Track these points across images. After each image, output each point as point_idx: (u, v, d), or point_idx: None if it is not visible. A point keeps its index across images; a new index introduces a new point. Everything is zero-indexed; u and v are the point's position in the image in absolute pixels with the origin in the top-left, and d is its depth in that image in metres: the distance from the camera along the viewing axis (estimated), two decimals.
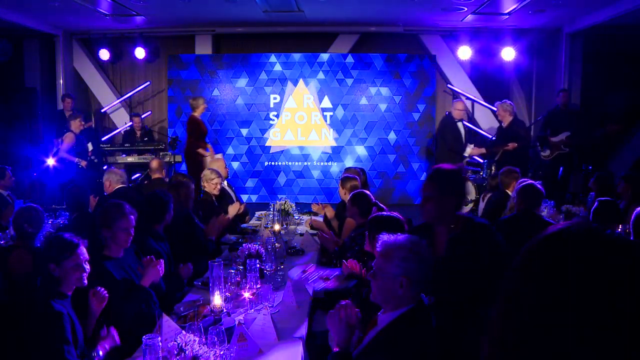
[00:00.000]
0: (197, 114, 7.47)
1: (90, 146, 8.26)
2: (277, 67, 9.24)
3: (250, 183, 9.34)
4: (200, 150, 7.46)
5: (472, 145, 7.64)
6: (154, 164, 5.98)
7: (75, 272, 2.45)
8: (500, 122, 7.45)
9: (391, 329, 2.01)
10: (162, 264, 3.03)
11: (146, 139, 8.80)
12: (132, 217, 3.01)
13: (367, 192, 4.21)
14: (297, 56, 9.23)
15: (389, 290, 2.01)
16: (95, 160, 8.02)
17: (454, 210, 2.54)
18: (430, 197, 2.53)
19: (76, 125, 7.42)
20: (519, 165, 6.96)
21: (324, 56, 9.27)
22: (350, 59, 9.23)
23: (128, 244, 3.01)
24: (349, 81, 9.21)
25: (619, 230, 4.02)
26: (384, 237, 2.13)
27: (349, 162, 9.12)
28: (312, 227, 5.01)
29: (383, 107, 9.21)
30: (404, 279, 1.98)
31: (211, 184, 5.10)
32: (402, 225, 3.05)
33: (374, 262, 2.12)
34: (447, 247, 2.50)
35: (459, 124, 7.52)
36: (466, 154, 7.68)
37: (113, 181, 5.15)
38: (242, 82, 9.28)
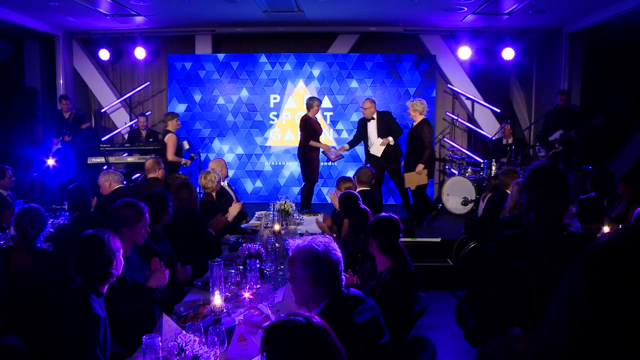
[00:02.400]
0: (310, 114, 7.40)
1: (186, 144, 8.12)
2: (277, 67, 9.24)
3: (250, 183, 9.34)
4: (313, 143, 7.33)
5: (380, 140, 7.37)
6: (149, 163, 5.96)
7: (120, 262, 2.52)
8: (412, 120, 7.27)
9: None
10: (167, 272, 3.03)
11: (151, 139, 8.79)
12: (147, 215, 3.07)
13: (355, 192, 4.24)
14: (297, 56, 9.23)
15: (302, 291, 2.13)
16: (197, 157, 7.81)
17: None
18: (548, 203, 2.00)
19: (173, 125, 7.18)
20: (415, 163, 6.95)
21: (324, 56, 9.27)
22: (350, 59, 9.23)
23: (142, 241, 3.05)
24: (349, 81, 9.21)
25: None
26: (290, 242, 2.25)
27: (349, 163, 9.12)
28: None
29: (383, 107, 9.20)
30: (309, 280, 2.09)
31: (207, 180, 5.09)
32: (398, 225, 3.07)
33: (287, 267, 2.24)
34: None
35: (369, 123, 7.41)
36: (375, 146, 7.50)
37: (113, 181, 5.17)
38: (242, 82, 9.28)
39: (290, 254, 2.18)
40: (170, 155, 7.08)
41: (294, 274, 2.15)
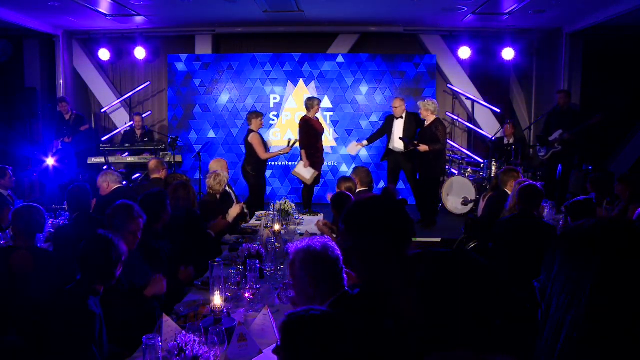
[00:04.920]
0: (310, 115, 7.39)
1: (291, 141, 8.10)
2: (277, 67, 9.24)
3: None
4: (267, 155, 7.32)
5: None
6: (152, 164, 5.97)
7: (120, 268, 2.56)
8: (423, 120, 7.32)
9: None
10: (164, 281, 3.03)
11: (146, 139, 8.80)
12: (141, 220, 3.06)
13: (347, 193, 4.24)
14: (297, 56, 9.23)
15: (304, 292, 2.13)
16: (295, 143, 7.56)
17: None
18: None
19: (257, 124, 7.15)
20: (435, 167, 6.95)
21: (324, 56, 9.27)
22: (350, 59, 9.22)
23: (134, 246, 3.03)
24: (349, 81, 9.21)
25: None
26: (290, 245, 2.28)
27: (349, 162, 9.12)
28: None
29: (383, 107, 9.21)
30: (309, 279, 2.09)
31: (215, 182, 5.09)
32: None
33: (288, 270, 2.24)
34: None
35: (396, 121, 7.44)
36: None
37: (111, 181, 5.16)
38: (242, 82, 9.27)
39: (291, 256, 2.20)
40: (263, 154, 7.15)
41: (294, 275, 2.16)
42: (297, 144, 7.40)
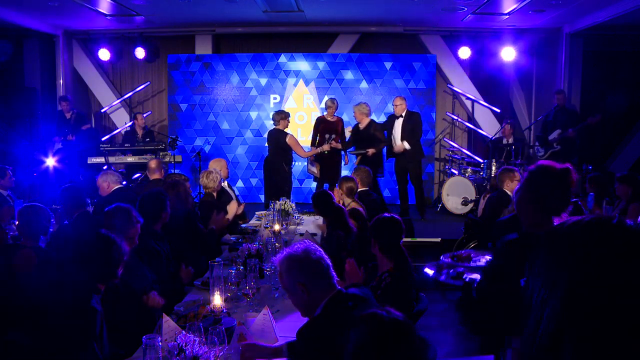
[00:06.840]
0: (327, 115, 7.44)
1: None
2: (277, 67, 9.24)
3: (250, 183, 9.34)
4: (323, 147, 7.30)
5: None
6: (153, 164, 5.96)
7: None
8: (357, 123, 7.40)
9: (314, 322, 2.11)
10: (161, 299, 3.03)
11: (148, 139, 8.78)
12: (139, 225, 3.07)
13: (328, 191, 4.25)
14: (297, 56, 9.23)
15: (299, 299, 2.14)
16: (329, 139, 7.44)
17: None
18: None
19: (284, 124, 7.12)
20: (374, 165, 6.99)
21: (324, 56, 9.27)
22: (350, 59, 9.22)
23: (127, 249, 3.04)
24: (349, 81, 9.21)
25: None
26: (273, 259, 2.31)
27: (349, 163, 9.11)
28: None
29: (382, 107, 9.20)
30: (300, 286, 2.09)
31: (209, 180, 5.07)
32: (400, 226, 3.06)
33: (280, 283, 2.26)
34: None
35: (397, 121, 7.43)
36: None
37: (111, 182, 5.16)
38: (241, 82, 9.27)
39: (277, 269, 2.20)
40: (304, 153, 7.22)
41: (285, 286, 2.17)
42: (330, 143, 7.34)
